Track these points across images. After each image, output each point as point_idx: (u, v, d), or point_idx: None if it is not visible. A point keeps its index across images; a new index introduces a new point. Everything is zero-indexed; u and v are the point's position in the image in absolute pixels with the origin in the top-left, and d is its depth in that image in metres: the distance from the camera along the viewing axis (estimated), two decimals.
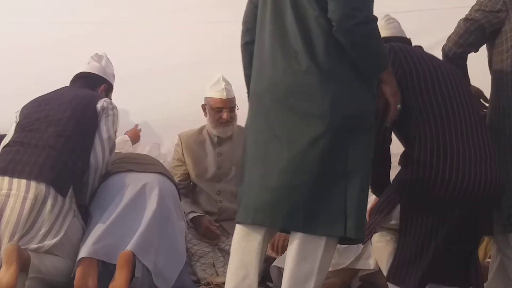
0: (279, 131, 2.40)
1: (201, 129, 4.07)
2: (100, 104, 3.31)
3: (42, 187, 3.04)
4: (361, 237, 2.40)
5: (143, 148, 4.29)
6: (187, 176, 4.01)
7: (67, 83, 3.57)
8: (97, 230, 3.08)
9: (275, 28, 2.45)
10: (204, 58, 4.25)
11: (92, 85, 3.54)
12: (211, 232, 3.79)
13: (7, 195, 3.02)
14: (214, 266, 3.66)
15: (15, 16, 4.38)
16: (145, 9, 4.32)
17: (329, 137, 2.33)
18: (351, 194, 2.33)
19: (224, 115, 3.91)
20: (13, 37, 4.36)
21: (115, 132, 3.43)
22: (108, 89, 3.62)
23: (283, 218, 2.37)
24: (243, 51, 2.68)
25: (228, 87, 3.91)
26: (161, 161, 3.87)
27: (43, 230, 3.02)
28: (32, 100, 3.41)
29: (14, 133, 3.30)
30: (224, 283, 3.40)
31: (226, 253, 3.71)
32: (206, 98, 3.97)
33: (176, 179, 3.90)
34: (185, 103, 4.22)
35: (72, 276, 2.98)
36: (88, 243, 3.02)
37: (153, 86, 4.31)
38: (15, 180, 3.05)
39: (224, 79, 3.93)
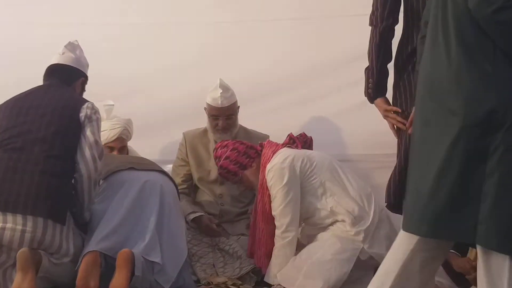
0: (427, 131, 2.27)
1: (206, 130, 4.04)
2: (83, 113, 3.16)
3: (40, 220, 2.96)
4: (498, 248, 2.13)
5: None
6: (190, 176, 4.03)
7: None
8: (102, 229, 3.11)
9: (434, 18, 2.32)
10: (204, 59, 4.22)
11: (69, 80, 3.35)
12: (212, 230, 3.82)
13: (2, 228, 2.92)
14: (214, 266, 3.66)
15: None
16: (145, 10, 4.31)
17: (466, 136, 2.14)
18: (486, 202, 2.11)
19: (220, 123, 3.88)
20: None
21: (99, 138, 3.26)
22: (84, 82, 3.44)
23: (428, 226, 2.22)
24: (419, 43, 2.54)
25: (225, 94, 3.84)
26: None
27: (50, 250, 3.00)
28: (7, 106, 3.22)
29: None
30: (223, 283, 3.43)
31: (226, 253, 3.73)
32: (206, 103, 3.94)
33: (179, 179, 3.96)
34: (184, 104, 4.20)
35: (76, 268, 3.00)
36: (94, 241, 3.05)
37: (152, 87, 4.28)
38: (9, 214, 2.94)
39: (222, 86, 3.84)
